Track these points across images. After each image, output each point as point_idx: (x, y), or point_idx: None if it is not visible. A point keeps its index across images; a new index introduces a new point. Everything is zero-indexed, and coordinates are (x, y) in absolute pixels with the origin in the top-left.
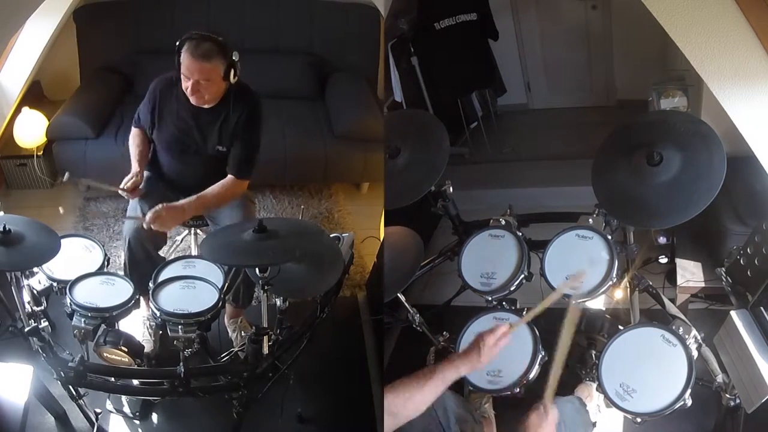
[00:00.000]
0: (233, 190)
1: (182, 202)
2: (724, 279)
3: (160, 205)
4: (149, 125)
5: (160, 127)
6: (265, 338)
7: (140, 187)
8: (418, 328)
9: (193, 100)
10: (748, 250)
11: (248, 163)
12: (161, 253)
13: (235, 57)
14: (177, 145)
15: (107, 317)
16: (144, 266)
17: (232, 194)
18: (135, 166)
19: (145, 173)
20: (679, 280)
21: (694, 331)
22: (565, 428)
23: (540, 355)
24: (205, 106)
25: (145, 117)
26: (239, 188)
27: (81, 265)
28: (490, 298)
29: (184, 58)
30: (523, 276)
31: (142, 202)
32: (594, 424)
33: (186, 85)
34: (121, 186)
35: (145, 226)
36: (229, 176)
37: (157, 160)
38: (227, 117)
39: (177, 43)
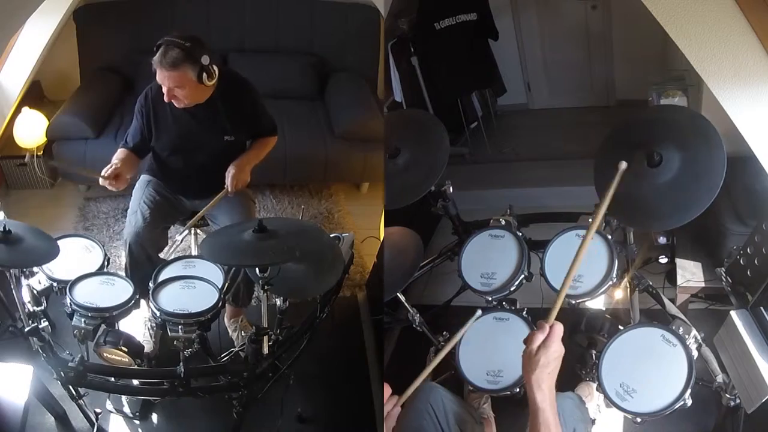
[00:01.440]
0: (270, 145)
1: (239, 161)
2: (724, 279)
3: (231, 169)
4: (145, 139)
5: (159, 134)
6: (265, 338)
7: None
8: (418, 328)
9: (175, 104)
10: (748, 250)
11: (273, 123)
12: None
13: (206, 61)
14: (182, 146)
15: (107, 317)
16: (145, 269)
17: (270, 147)
18: (115, 161)
19: (144, 176)
20: (679, 280)
21: (694, 331)
22: (565, 422)
23: None
24: (199, 102)
25: (136, 135)
26: (272, 142)
27: (81, 265)
28: (490, 298)
29: (155, 66)
30: (523, 276)
31: (144, 206)
32: (593, 421)
33: (164, 91)
34: (102, 174)
35: (231, 192)
36: (260, 138)
37: (163, 166)
38: (224, 108)
39: (154, 49)
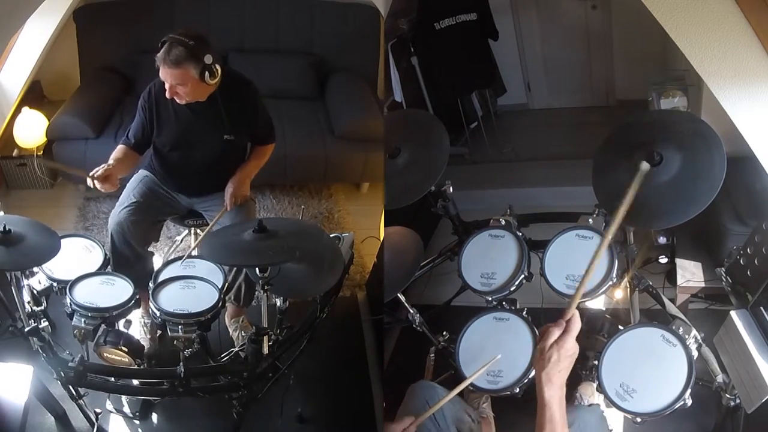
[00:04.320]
0: (268, 154)
1: (238, 176)
2: (724, 279)
3: (230, 186)
4: (146, 134)
5: (161, 130)
6: (265, 338)
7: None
8: (418, 328)
9: (177, 100)
10: (748, 250)
11: (271, 129)
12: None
13: (208, 60)
14: (183, 143)
15: (107, 317)
16: (130, 262)
17: (267, 156)
18: (111, 161)
19: (142, 171)
20: (679, 280)
21: (694, 331)
22: None
23: None
24: (201, 100)
25: (137, 131)
26: (271, 149)
27: (81, 265)
28: (490, 298)
29: (158, 63)
30: (523, 276)
31: (132, 197)
32: None
33: (166, 86)
34: (90, 173)
35: (228, 208)
36: (258, 146)
37: (163, 162)
38: (225, 106)
39: (159, 45)
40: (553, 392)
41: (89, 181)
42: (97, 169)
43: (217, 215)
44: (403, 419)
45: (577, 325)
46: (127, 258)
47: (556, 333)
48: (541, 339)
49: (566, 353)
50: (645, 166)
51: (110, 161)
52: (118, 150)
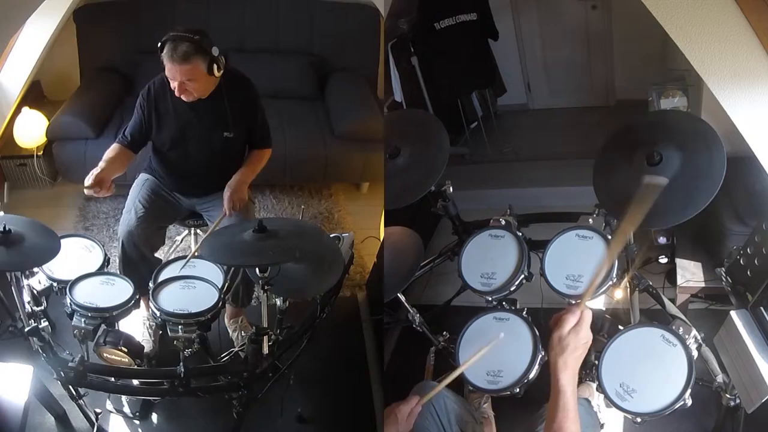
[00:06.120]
0: (265, 159)
1: (235, 180)
2: (724, 279)
3: (228, 191)
4: (143, 132)
5: (160, 128)
6: (265, 338)
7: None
8: (418, 328)
9: (184, 98)
10: (748, 250)
11: (268, 132)
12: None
13: (215, 52)
14: (182, 141)
15: (107, 317)
16: (139, 268)
17: (264, 162)
18: (101, 164)
19: (143, 175)
20: (679, 280)
21: (694, 331)
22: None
23: (540, 355)
24: (201, 98)
25: (135, 129)
26: (268, 155)
27: (81, 265)
28: (490, 298)
29: (165, 61)
30: (523, 276)
31: (138, 204)
32: (602, 426)
33: (173, 85)
34: (85, 184)
35: (228, 214)
36: (255, 150)
37: (163, 161)
38: (226, 104)
39: (159, 45)
40: (569, 379)
41: (86, 191)
42: (88, 177)
43: (217, 217)
44: (410, 399)
45: (590, 315)
46: (137, 265)
47: (572, 321)
48: (557, 327)
49: (582, 340)
50: (648, 179)
51: (102, 162)
52: (112, 149)
